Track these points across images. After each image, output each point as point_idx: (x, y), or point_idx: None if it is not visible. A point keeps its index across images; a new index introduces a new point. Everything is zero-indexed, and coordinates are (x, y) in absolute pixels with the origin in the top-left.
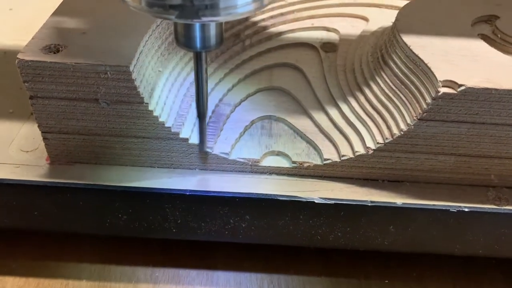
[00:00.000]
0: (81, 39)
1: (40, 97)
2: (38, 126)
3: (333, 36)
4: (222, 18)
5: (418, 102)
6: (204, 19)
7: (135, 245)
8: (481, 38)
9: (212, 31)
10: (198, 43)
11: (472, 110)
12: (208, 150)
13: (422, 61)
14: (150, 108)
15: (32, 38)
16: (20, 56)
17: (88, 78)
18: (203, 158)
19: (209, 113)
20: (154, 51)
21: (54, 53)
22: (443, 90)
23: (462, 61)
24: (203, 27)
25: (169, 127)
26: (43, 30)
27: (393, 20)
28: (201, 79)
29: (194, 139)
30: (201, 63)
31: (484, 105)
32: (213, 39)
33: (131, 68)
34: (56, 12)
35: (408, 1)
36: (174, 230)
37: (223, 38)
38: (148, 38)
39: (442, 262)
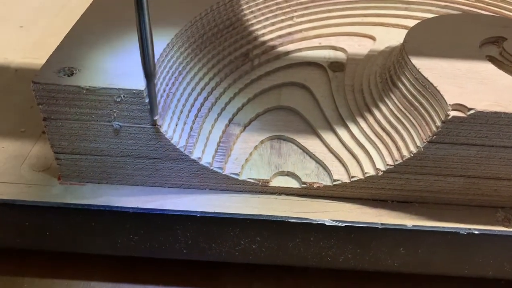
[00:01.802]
0: (94, 61)
1: (53, 119)
2: (51, 147)
3: (340, 55)
4: None
5: (427, 124)
6: None
7: (146, 265)
8: (489, 60)
9: None
10: None
11: (481, 133)
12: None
13: (431, 84)
14: (162, 130)
15: (47, 61)
16: (35, 79)
17: (101, 101)
18: (213, 179)
19: (219, 133)
20: (166, 72)
21: (68, 76)
22: (452, 113)
23: (470, 84)
24: None
25: (181, 149)
26: (57, 53)
27: (400, 39)
28: (145, 32)
29: (206, 160)
30: (143, 10)
31: (493, 128)
32: None
33: (144, 92)
34: (70, 34)
35: (413, 20)
36: (184, 251)
37: None
38: (161, 59)
39: (451, 284)
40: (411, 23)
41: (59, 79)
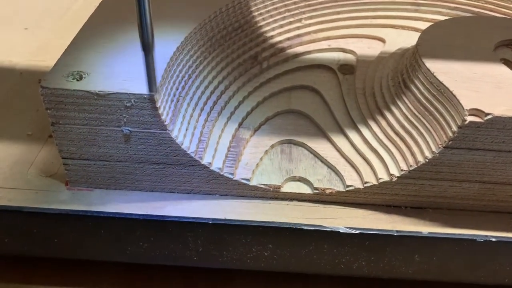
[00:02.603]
0: (104, 65)
1: (62, 124)
2: (59, 152)
3: (350, 58)
4: None
5: (443, 129)
6: None
7: (155, 272)
8: (503, 63)
9: None
10: None
11: (498, 138)
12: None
13: (447, 88)
14: (173, 135)
15: (55, 65)
16: (43, 84)
17: (111, 106)
18: (224, 184)
19: (229, 137)
20: (176, 77)
21: (77, 80)
22: (469, 118)
23: (486, 88)
24: None
25: (191, 154)
26: (66, 56)
27: (411, 41)
28: (143, 2)
29: (216, 165)
30: None
31: (511, 133)
32: None
33: (155, 96)
34: (78, 37)
35: (423, 22)
36: (195, 258)
37: None
38: (171, 63)
39: None
40: (421, 25)
41: (68, 83)
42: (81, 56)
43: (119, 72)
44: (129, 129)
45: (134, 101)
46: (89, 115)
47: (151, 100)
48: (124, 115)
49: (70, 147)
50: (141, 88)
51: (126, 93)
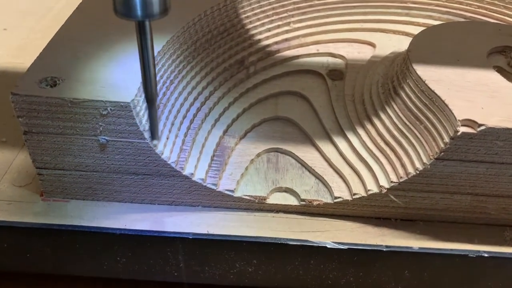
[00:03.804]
0: (80, 71)
1: (35, 133)
2: (33, 162)
3: (339, 63)
4: None
5: (434, 140)
6: None
7: (134, 286)
8: (497, 71)
9: None
10: (139, 10)
11: (491, 150)
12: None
13: (439, 97)
14: (152, 144)
15: (28, 70)
16: (14, 90)
17: (86, 114)
18: (207, 196)
19: (213, 145)
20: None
21: (51, 86)
22: (462, 129)
23: (479, 98)
24: None
25: (172, 164)
26: (39, 62)
27: (401, 46)
28: (147, 55)
29: (199, 175)
30: (146, 35)
31: (505, 145)
32: (156, 5)
33: (132, 104)
34: (53, 41)
35: (414, 27)
36: (175, 274)
37: (168, 4)
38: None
39: None
40: (412, 29)
41: (41, 90)
42: (56, 61)
43: (95, 78)
44: (106, 138)
45: (111, 109)
46: (63, 124)
47: (128, 108)
48: (100, 124)
49: (44, 157)
50: (118, 95)
51: (102, 101)
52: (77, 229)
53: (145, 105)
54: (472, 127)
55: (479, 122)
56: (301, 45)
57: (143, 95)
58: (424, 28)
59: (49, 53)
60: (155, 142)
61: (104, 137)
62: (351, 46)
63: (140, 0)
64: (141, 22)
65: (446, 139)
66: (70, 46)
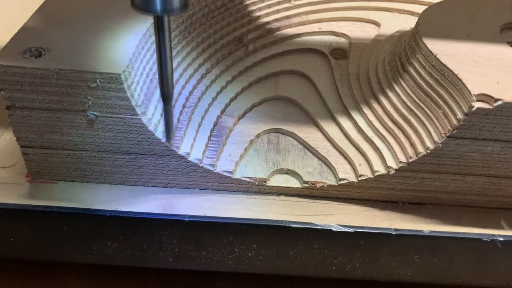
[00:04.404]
0: (67, 41)
1: (18, 108)
2: (17, 140)
3: (342, 41)
4: None
5: (447, 117)
6: None
7: (127, 273)
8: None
9: None
10: (158, 5)
11: (508, 127)
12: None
13: (452, 71)
14: (145, 121)
15: (11, 40)
16: None
17: (74, 87)
18: (204, 177)
19: (210, 125)
20: (150, 56)
21: (36, 57)
22: (477, 105)
23: (494, 72)
24: None
25: (166, 143)
26: (24, 31)
27: (407, 25)
28: (164, 52)
29: (195, 156)
30: (164, 31)
31: None
32: (176, 0)
33: (123, 76)
34: (39, 10)
35: (420, 6)
36: (170, 259)
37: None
38: (144, 41)
39: None
40: (418, 8)
41: (25, 60)
42: (41, 30)
43: (84, 49)
44: (95, 113)
45: (100, 81)
46: (49, 98)
47: (119, 80)
48: (89, 98)
49: (29, 134)
50: (108, 66)
51: (91, 72)
52: (64, 211)
53: (137, 78)
54: (487, 103)
55: (496, 97)
56: (303, 23)
57: (134, 67)
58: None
59: (35, 23)
60: (169, 142)
61: (93, 112)
62: (354, 25)
63: None
64: (159, 17)
65: (460, 116)
66: (58, 15)
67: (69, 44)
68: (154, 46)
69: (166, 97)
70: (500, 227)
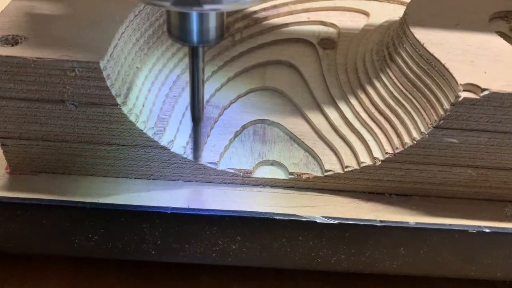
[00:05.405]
0: (45, 29)
1: None
2: None
3: (331, 31)
4: (226, 7)
5: (433, 107)
6: (206, 7)
7: (108, 267)
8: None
9: (213, 22)
10: (195, 36)
11: (495, 117)
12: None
13: (439, 61)
14: (125, 111)
15: None
16: None
17: (52, 76)
18: (187, 169)
19: None
20: (132, 44)
21: (12, 45)
22: (464, 94)
23: (482, 62)
24: (202, 16)
25: (148, 133)
26: (0, 19)
27: (396, 15)
28: (197, 78)
29: (178, 147)
30: (198, 59)
31: (509, 112)
32: (213, 32)
33: (102, 65)
34: None
35: None
36: (153, 252)
37: (224, 31)
38: (125, 29)
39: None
40: None
41: (1, 49)
42: (18, 18)
43: (62, 37)
44: (75, 103)
45: (79, 70)
46: (27, 87)
47: (98, 69)
48: (68, 87)
49: (7, 125)
50: (87, 55)
51: (69, 60)
52: (43, 203)
53: (118, 68)
54: (474, 92)
55: (482, 86)
56: (291, 13)
57: (114, 55)
58: None
59: (11, 10)
60: (197, 159)
61: (72, 102)
62: (343, 15)
63: (197, 27)
64: (195, 48)
65: (446, 106)
66: (36, 2)
67: (47, 32)
68: (136, 35)
69: (197, 119)
70: (486, 218)
